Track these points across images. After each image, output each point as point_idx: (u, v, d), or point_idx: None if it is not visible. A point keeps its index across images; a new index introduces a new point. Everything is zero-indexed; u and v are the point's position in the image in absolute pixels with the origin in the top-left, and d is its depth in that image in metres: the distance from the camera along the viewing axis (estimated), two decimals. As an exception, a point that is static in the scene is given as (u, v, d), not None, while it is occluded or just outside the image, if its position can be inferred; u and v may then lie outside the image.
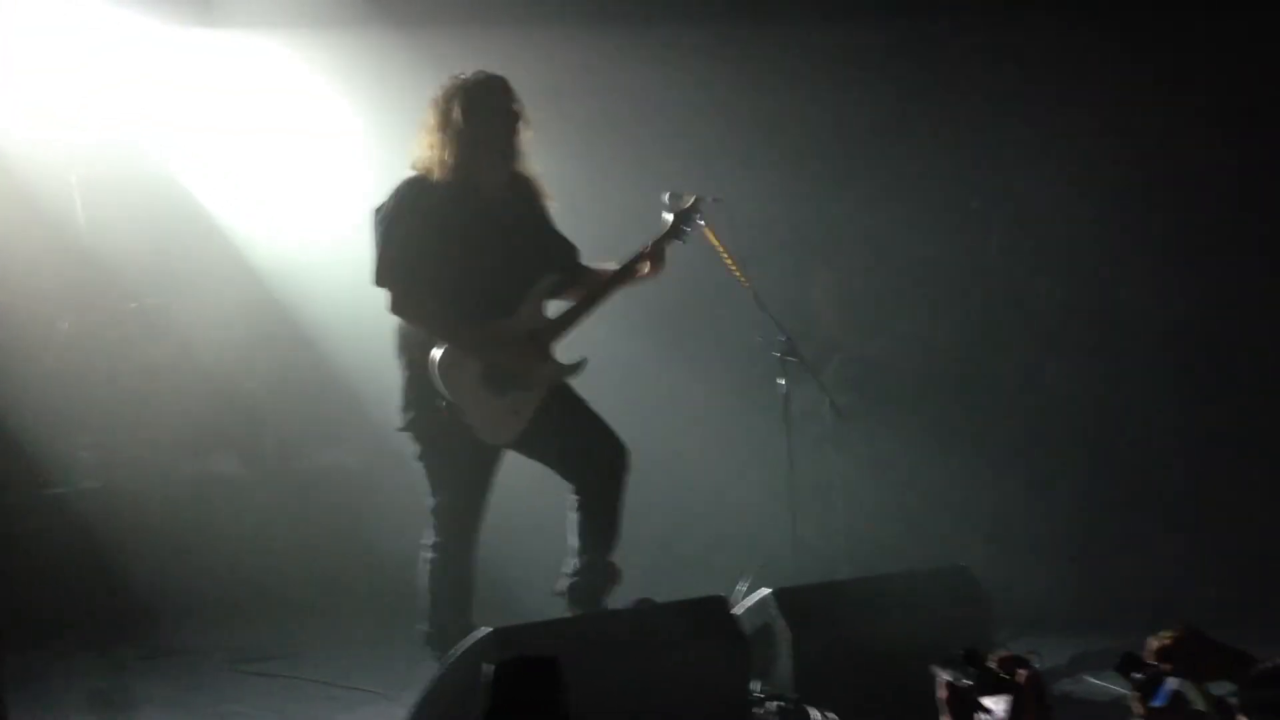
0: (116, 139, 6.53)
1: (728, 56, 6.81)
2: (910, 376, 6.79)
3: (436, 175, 4.44)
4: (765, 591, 4.47)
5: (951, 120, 6.97)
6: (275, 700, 4.97)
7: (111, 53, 6.48)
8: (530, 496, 5.06)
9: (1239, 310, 6.73)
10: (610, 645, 4.06)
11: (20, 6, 6.28)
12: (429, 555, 4.58)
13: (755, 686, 4.29)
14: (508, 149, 4.51)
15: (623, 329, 6.12)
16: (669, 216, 4.78)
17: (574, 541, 4.64)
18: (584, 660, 3.83)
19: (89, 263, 6.47)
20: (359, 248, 4.57)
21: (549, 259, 4.66)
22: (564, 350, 4.67)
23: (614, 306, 4.94)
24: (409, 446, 4.60)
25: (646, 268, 4.69)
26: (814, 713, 4.16)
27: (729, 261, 5.19)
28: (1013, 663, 2.06)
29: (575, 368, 4.63)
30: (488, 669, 2.15)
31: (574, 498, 4.64)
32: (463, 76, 4.50)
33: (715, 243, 5.14)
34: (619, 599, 4.64)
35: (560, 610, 4.61)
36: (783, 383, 5.54)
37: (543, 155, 4.72)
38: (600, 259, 4.78)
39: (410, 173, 4.51)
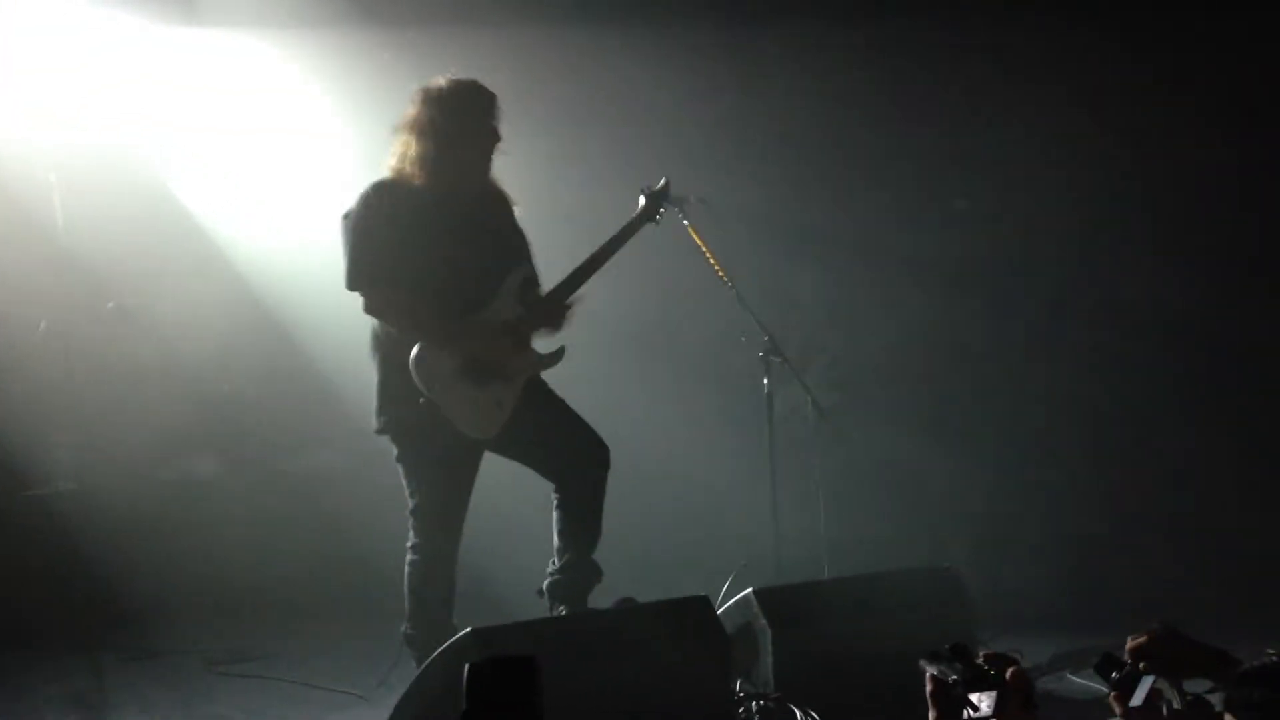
0: (96, 137, 6.50)
1: (712, 55, 6.82)
2: (892, 377, 6.81)
3: (409, 177, 4.45)
4: (747, 591, 4.47)
5: (937, 118, 6.99)
6: (255, 702, 4.95)
7: (92, 51, 6.46)
8: (513, 496, 5.05)
9: (1228, 309, 6.77)
10: (592, 645, 4.04)
11: (1, 5, 6.24)
12: (410, 556, 4.56)
13: (737, 686, 4.29)
14: (480, 154, 4.52)
15: (606, 329, 6.12)
16: (642, 199, 4.85)
17: (556, 541, 4.63)
18: (566, 660, 3.83)
19: (67, 262, 6.43)
20: (339, 245, 4.55)
21: (519, 254, 4.67)
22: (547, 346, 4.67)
23: (597, 306, 4.94)
24: (390, 447, 4.58)
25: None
26: (796, 712, 4.15)
27: (713, 261, 5.20)
28: (999, 660, 2.05)
29: (553, 357, 4.62)
30: (465, 668, 2.13)
31: (555, 497, 4.64)
32: (437, 81, 4.52)
33: (699, 242, 5.16)
34: (601, 598, 4.63)
35: (542, 610, 4.60)
36: (766, 382, 5.55)
37: (527, 155, 4.73)
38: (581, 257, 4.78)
39: (377, 176, 4.51)
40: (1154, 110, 6.83)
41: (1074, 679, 4.71)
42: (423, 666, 4.08)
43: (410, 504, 4.55)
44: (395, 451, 4.56)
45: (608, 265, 4.73)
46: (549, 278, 4.74)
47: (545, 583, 4.61)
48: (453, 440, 4.43)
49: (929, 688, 2.08)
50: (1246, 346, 6.74)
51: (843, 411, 6.24)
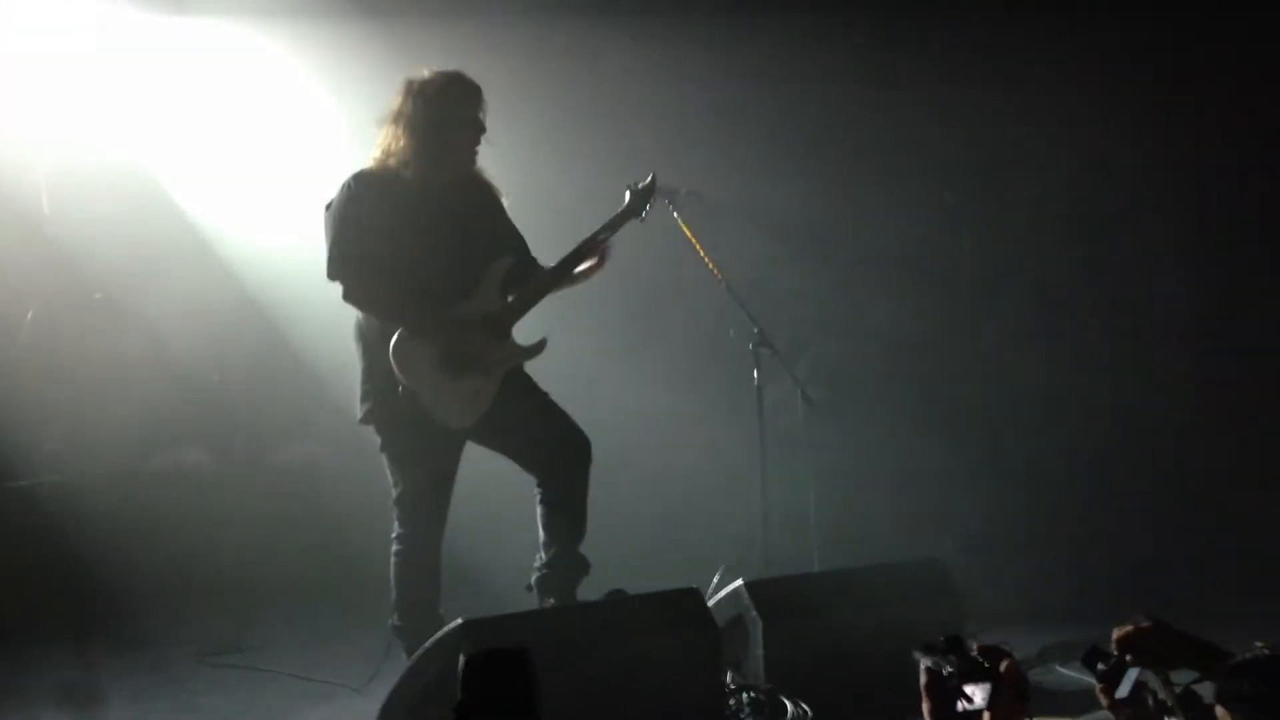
0: (83, 128, 6.47)
1: (702, 48, 6.81)
2: (882, 370, 6.82)
3: (391, 168, 4.45)
4: (738, 583, 4.47)
5: (933, 114, 7.00)
6: (244, 693, 4.95)
7: (79, 40, 6.42)
8: (501, 487, 5.05)
9: (1223, 305, 6.80)
10: (582, 637, 4.04)
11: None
12: (395, 547, 4.56)
13: (728, 678, 4.30)
14: (462, 146, 4.52)
15: (595, 321, 6.12)
16: (628, 194, 4.83)
17: (542, 535, 4.64)
18: (555, 652, 3.83)
19: (54, 253, 6.41)
20: (323, 242, 4.54)
21: (503, 245, 4.66)
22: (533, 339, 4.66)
23: (585, 298, 4.93)
24: (375, 438, 4.58)
25: (593, 263, 4.67)
26: (786, 703, 4.16)
27: (703, 254, 5.20)
28: (993, 653, 2.06)
29: (534, 349, 4.62)
30: (461, 660, 2.13)
31: (538, 491, 4.65)
32: (421, 72, 4.52)
33: (689, 235, 5.15)
34: (591, 590, 4.63)
35: (532, 605, 4.60)
36: (756, 375, 5.55)
37: (518, 146, 4.72)
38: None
39: (359, 167, 4.51)
40: (1153, 110, 6.86)
41: (1062, 670, 4.72)
42: (413, 658, 4.08)
43: (394, 493, 4.56)
44: (379, 441, 4.56)
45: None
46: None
47: (533, 577, 4.62)
48: (433, 430, 4.43)
49: (923, 679, 2.09)
50: (1241, 342, 6.77)
51: (832, 405, 6.23)
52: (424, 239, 4.46)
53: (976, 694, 2.02)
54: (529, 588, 4.62)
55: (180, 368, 6.70)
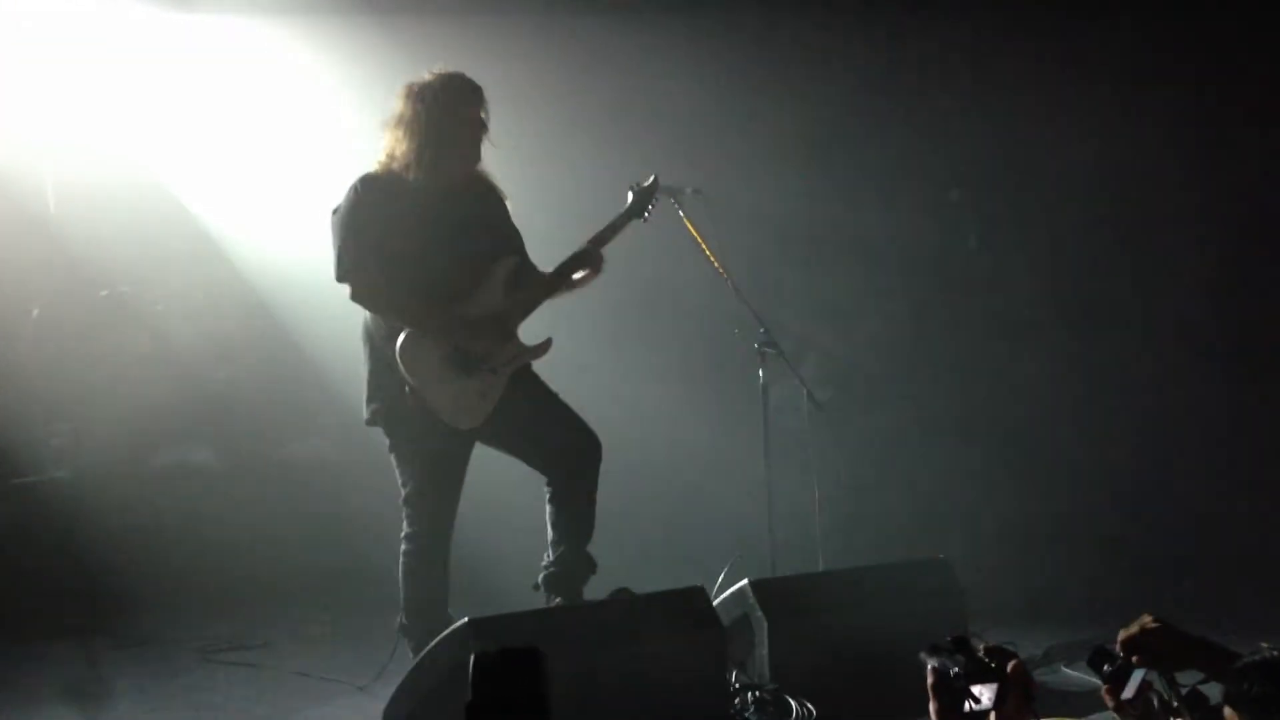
0: (89, 125, 6.47)
1: (707, 48, 6.81)
2: (888, 370, 6.82)
3: (396, 171, 4.47)
4: (743, 582, 4.48)
5: (931, 111, 7.00)
6: (249, 690, 4.95)
7: (85, 37, 6.43)
8: (509, 486, 5.06)
9: (1225, 307, 6.79)
10: (588, 636, 4.05)
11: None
12: (403, 546, 4.58)
13: (733, 677, 4.30)
14: (466, 147, 4.54)
15: (600, 320, 6.12)
16: (630, 195, 4.85)
17: (550, 534, 4.65)
18: (562, 651, 3.84)
19: (60, 250, 6.42)
20: (330, 244, 4.55)
21: (507, 246, 4.67)
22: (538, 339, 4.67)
23: (590, 298, 4.94)
24: (383, 437, 4.59)
25: (596, 264, 4.68)
26: (791, 703, 4.16)
27: (708, 253, 5.20)
28: (1000, 653, 2.07)
29: (539, 348, 4.63)
30: (471, 659, 2.13)
31: (547, 490, 4.66)
32: (423, 75, 4.54)
33: (695, 234, 5.15)
34: (597, 589, 4.64)
35: (539, 603, 4.61)
36: (761, 374, 5.55)
37: (524, 146, 4.72)
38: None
39: (365, 169, 4.53)
40: (1166, 109, 6.85)
41: (1068, 671, 4.72)
42: (419, 656, 4.08)
43: (403, 493, 4.58)
44: (388, 441, 4.57)
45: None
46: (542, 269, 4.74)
47: (540, 576, 4.63)
48: (441, 430, 4.44)
49: (930, 680, 2.09)
50: (1253, 344, 6.77)
51: (837, 404, 6.23)
52: (429, 240, 4.48)
53: (983, 694, 2.02)
54: (536, 586, 4.63)
55: (185, 365, 6.70)
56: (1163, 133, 6.82)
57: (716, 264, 5.24)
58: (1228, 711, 2.09)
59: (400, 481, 4.57)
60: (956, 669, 2.04)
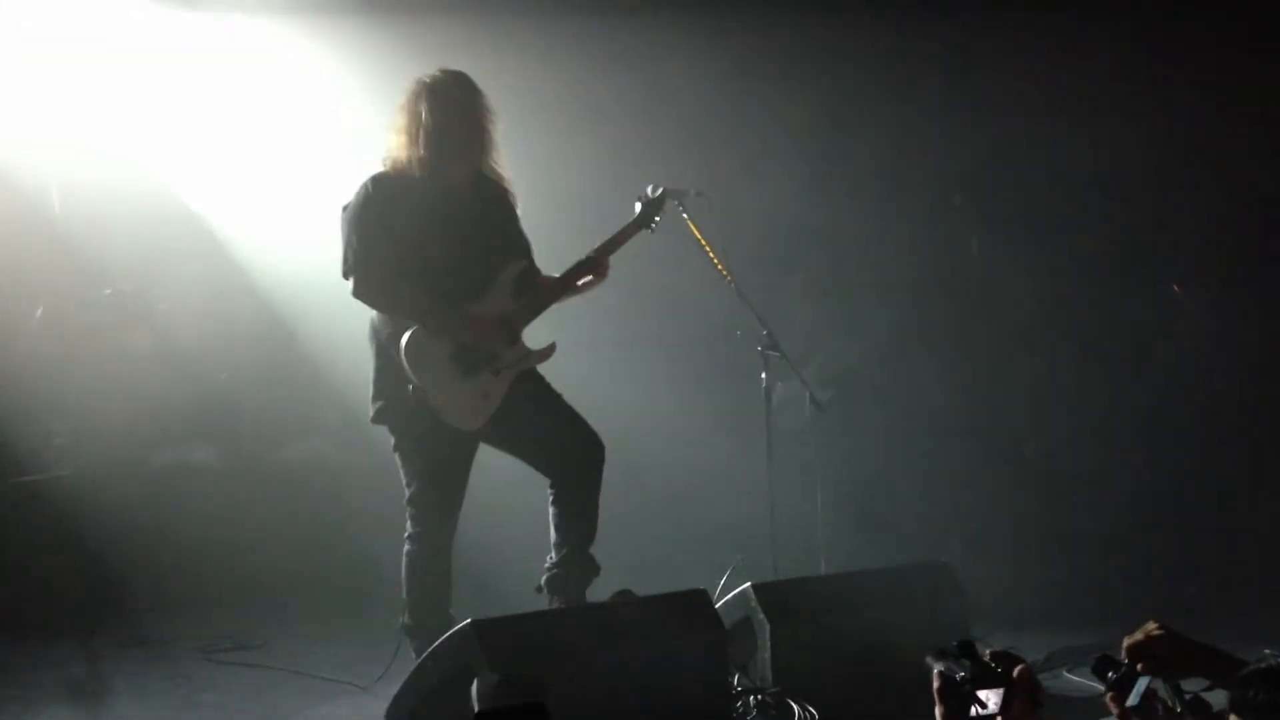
0: (94, 125, 6.47)
1: (712, 51, 6.81)
2: (890, 373, 6.82)
3: (404, 170, 4.48)
4: (745, 585, 4.47)
5: (935, 116, 7.00)
6: (250, 690, 4.94)
7: (88, 36, 6.43)
8: (512, 488, 5.06)
9: (1227, 311, 6.78)
10: (590, 638, 4.04)
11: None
12: (406, 546, 4.58)
13: (735, 680, 4.30)
14: (473, 146, 4.55)
15: (604, 322, 6.13)
16: (638, 205, 4.86)
17: (553, 535, 4.65)
18: (563, 652, 3.84)
19: (64, 249, 6.42)
20: (338, 237, 4.56)
21: (515, 248, 4.68)
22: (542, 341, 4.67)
23: (594, 300, 4.94)
24: (386, 437, 4.59)
25: (601, 271, 4.68)
26: (793, 706, 4.15)
27: (712, 255, 5.21)
28: (1006, 658, 2.06)
29: (543, 352, 4.63)
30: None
31: (550, 492, 4.66)
32: (431, 74, 4.55)
33: (699, 237, 5.16)
34: (599, 591, 4.64)
35: (541, 605, 4.61)
36: (764, 377, 5.55)
37: (525, 149, 4.73)
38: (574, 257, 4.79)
39: (376, 169, 4.54)
40: (1139, 111, 6.86)
41: (1071, 677, 4.72)
42: (421, 658, 4.08)
43: (407, 493, 4.58)
44: (392, 441, 4.57)
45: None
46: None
47: (543, 577, 4.62)
48: (445, 431, 4.44)
49: (936, 684, 2.08)
50: (1256, 347, 6.76)
51: (839, 407, 6.24)
52: (438, 240, 4.49)
53: (990, 699, 2.01)
54: (539, 588, 4.63)
55: (188, 365, 6.70)
56: (1166, 134, 6.82)
57: (720, 266, 5.24)
58: (1232, 719, 2.08)
59: (404, 481, 4.57)
60: (963, 674, 2.03)
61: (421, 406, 4.39)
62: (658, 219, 4.89)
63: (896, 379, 6.87)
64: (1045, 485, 6.64)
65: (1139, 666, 2.36)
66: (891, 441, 6.67)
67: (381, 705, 4.09)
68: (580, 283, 4.71)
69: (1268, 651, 2.16)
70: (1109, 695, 2.37)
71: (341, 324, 4.99)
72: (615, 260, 4.77)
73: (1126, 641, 2.41)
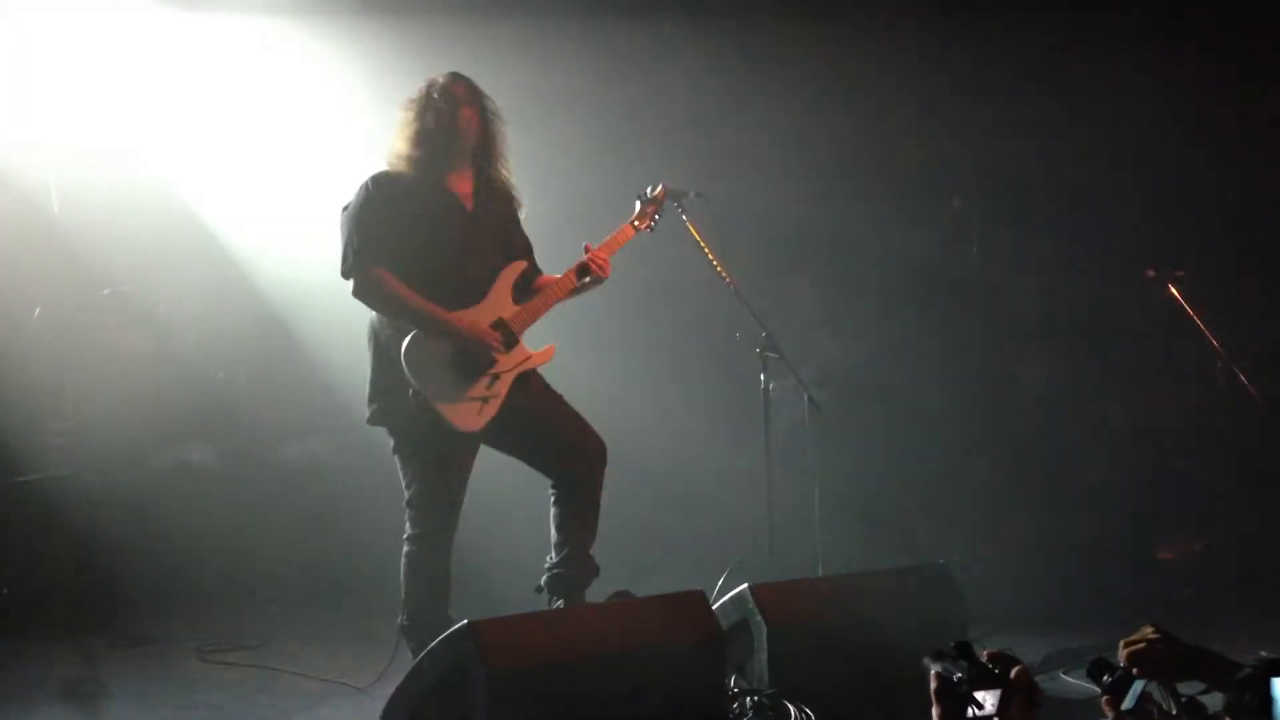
0: (93, 125, 6.48)
1: (713, 52, 6.82)
2: (888, 375, 6.82)
3: (404, 170, 4.49)
4: (742, 586, 4.47)
5: (934, 118, 7.00)
6: (247, 691, 4.94)
7: (86, 36, 6.43)
8: (512, 488, 5.06)
9: (1231, 314, 6.77)
10: (588, 638, 4.04)
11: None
12: (406, 548, 4.57)
13: (731, 681, 4.30)
14: (471, 148, 4.57)
15: (603, 323, 6.13)
16: (638, 204, 4.88)
17: (554, 536, 4.65)
18: (561, 653, 3.83)
19: (63, 248, 6.42)
20: (337, 237, 4.56)
21: (516, 250, 4.68)
22: (542, 343, 4.68)
23: (594, 301, 4.95)
24: (385, 438, 4.59)
25: (601, 271, 4.68)
26: (790, 708, 4.15)
27: (711, 256, 5.21)
28: (1003, 659, 2.06)
29: (543, 354, 4.64)
30: None
31: (552, 493, 4.66)
32: (435, 77, 4.57)
33: (698, 238, 5.17)
34: (597, 592, 4.64)
35: (541, 604, 4.61)
36: (763, 378, 5.55)
37: (526, 149, 4.74)
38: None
39: (377, 169, 4.55)
40: (1142, 113, 6.87)
41: (1068, 678, 4.72)
42: (419, 658, 4.08)
43: (406, 494, 4.57)
44: (391, 442, 4.57)
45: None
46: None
47: (543, 577, 4.63)
48: (445, 433, 4.44)
49: (933, 685, 2.08)
50: (1256, 350, 6.76)
51: (838, 408, 6.24)
52: (439, 242, 4.50)
53: (987, 700, 2.01)
54: (539, 588, 4.64)
55: (187, 365, 6.71)
56: (1167, 135, 6.83)
57: (719, 267, 5.24)
58: (1226, 720, 2.09)
59: (404, 483, 4.57)
60: (960, 675, 2.03)
61: (422, 409, 4.39)
62: (658, 218, 4.90)
63: (895, 380, 6.87)
64: (1043, 487, 6.64)
65: (1134, 670, 2.36)
66: (890, 443, 6.67)
67: (379, 706, 4.09)
68: (581, 283, 4.71)
69: (1264, 654, 2.16)
70: (1105, 699, 2.37)
71: (340, 325, 4.99)
72: (615, 262, 4.77)
73: (1122, 645, 2.42)
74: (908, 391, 6.83)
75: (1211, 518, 6.35)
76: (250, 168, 6.69)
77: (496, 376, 4.51)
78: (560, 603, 4.56)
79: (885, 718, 4.15)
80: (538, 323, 4.66)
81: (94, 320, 6.53)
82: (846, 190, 6.98)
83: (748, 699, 4.22)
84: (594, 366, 5.81)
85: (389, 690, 4.08)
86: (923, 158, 7.06)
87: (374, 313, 4.54)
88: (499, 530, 5.43)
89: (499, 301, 4.58)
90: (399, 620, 4.57)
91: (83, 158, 6.46)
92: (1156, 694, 2.36)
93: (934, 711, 2.06)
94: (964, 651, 2.06)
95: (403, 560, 4.57)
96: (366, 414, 4.58)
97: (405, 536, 4.57)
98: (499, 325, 4.54)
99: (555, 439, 4.63)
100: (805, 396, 5.67)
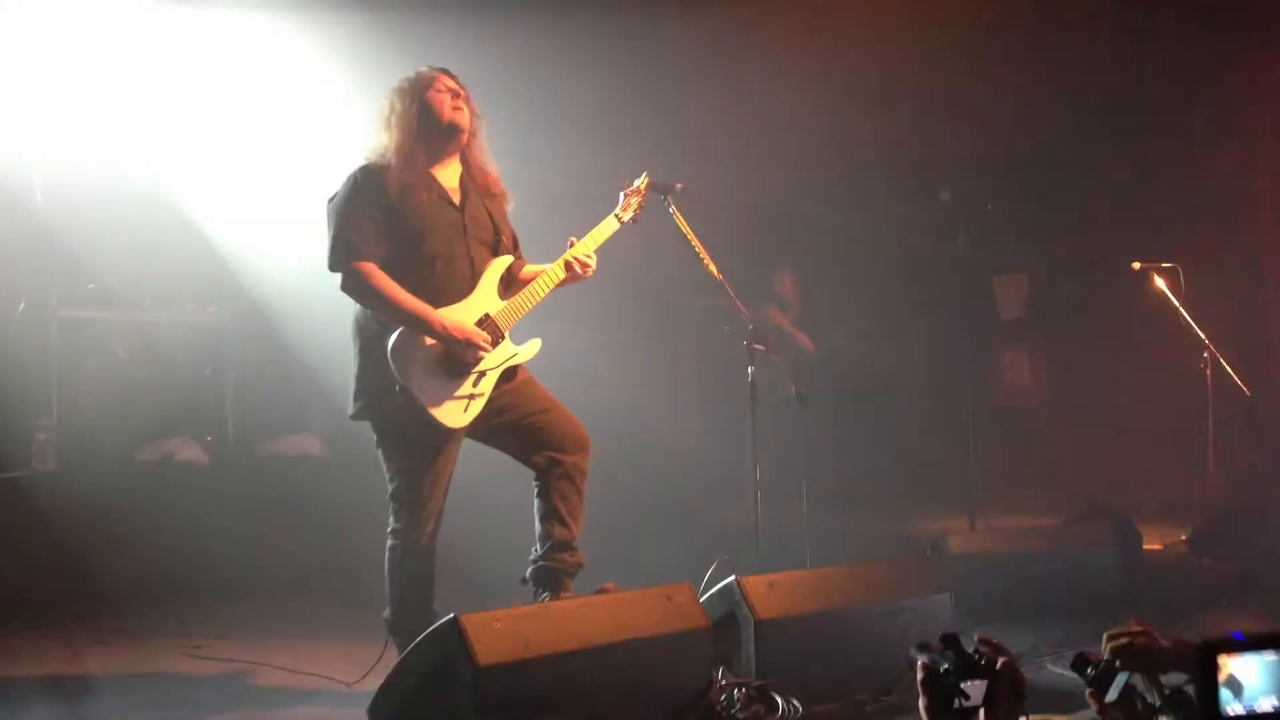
0: (79, 119, 6.45)
1: (699, 46, 6.82)
2: (876, 367, 6.84)
3: (392, 164, 4.47)
4: (730, 579, 4.47)
5: (922, 112, 7.02)
6: (234, 686, 4.92)
7: (69, 30, 6.40)
8: (497, 481, 5.05)
9: (1216, 309, 6.81)
10: (574, 631, 4.04)
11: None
12: (389, 542, 4.56)
13: (719, 673, 4.29)
14: (461, 140, 4.55)
15: (590, 317, 6.12)
16: (621, 196, 4.89)
17: (538, 528, 4.64)
18: (547, 646, 3.83)
19: (48, 243, 6.40)
20: (325, 230, 4.55)
21: (503, 246, 4.67)
22: (527, 337, 4.67)
23: (581, 295, 4.94)
24: (371, 433, 4.58)
25: (586, 264, 4.67)
26: (778, 700, 4.16)
27: (698, 249, 5.21)
28: (992, 648, 2.07)
29: (529, 349, 4.62)
30: None
31: (536, 485, 4.66)
32: (417, 70, 4.56)
33: (686, 231, 5.16)
34: (584, 584, 4.63)
35: (526, 596, 4.61)
36: (750, 371, 5.55)
37: (516, 144, 4.73)
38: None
39: (363, 161, 4.53)
40: (1142, 112, 6.89)
41: (1053, 669, 4.73)
42: (405, 653, 4.07)
43: (389, 489, 4.57)
44: (375, 436, 4.56)
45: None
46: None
47: (528, 570, 4.63)
48: (429, 427, 4.42)
49: (920, 676, 2.09)
50: (1250, 345, 6.79)
51: (824, 400, 6.24)
52: (425, 237, 4.48)
53: (973, 691, 2.02)
54: (524, 580, 4.63)
55: (172, 360, 6.69)
56: (1165, 128, 6.85)
57: (707, 261, 5.24)
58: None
59: (387, 477, 4.56)
60: (947, 665, 2.04)
61: (407, 404, 4.38)
62: (641, 208, 4.89)
63: (884, 373, 6.89)
64: (1031, 478, 6.66)
65: (1118, 663, 2.37)
66: (877, 435, 6.68)
67: (365, 701, 4.08)
68: (566, 276, 4.70)
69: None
70: (1089, 691, 2.38)
71: (326, 321, 4.97)
72: (599, 255, 4.76)
73: (1106, 638, 2.43)
74: (896, 382, 6.84)
75: (1210, 513, 6.36)
76: (236, 162, 6.68)
77: (482, 374, 4.50)
78: (546, 595, 4.56)
79: (873, 709, 4.15)
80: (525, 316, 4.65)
81: (79, 316, 6.51)
82: (834, 181, 6.99)
83: (735, 691, 4.21)
84: (580, 360, 5.81)
85: (376, 685, 4.07)
86: (912, 149, 7.07)
87: (359, 307, 4.52)
88: (484, 523, 5.43)
89: (485, 296, 4.57)
90: (384, 615, 4.57)
91: (67, 151, 6.43)
92: (1140, 686, 2.38)
93: (921, 702, 2.07)
94: (951, 643, 2.07)
95: (386, 554, 4.56)
96: (351, 409, 4.56)
97: (389, 531, 4.56)
98: (485, 322, 4.53)
99: (539, 432, 4.62)
100: (793, 389, 5.68)
